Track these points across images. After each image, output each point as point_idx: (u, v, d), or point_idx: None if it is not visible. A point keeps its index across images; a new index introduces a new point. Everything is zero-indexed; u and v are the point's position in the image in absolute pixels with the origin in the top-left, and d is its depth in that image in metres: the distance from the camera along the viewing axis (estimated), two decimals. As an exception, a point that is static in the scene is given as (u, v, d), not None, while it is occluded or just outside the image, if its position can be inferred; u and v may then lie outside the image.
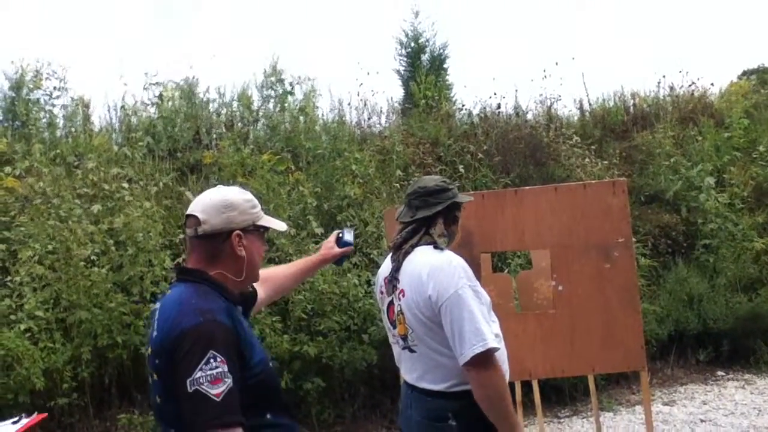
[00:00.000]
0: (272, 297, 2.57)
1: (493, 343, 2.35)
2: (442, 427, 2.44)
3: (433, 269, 2.42)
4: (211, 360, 1.74)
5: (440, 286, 2.39)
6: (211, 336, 1.77)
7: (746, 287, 7.63)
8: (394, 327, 2.60)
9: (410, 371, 2.58)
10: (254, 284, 2.26)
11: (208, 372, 1.73)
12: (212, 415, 1.72)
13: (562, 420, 6.05)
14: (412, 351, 2.52)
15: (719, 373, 7.06)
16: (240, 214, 2.00)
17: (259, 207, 2.09)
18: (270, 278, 2.49)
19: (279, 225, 2.18)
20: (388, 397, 6.11)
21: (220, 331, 1.80)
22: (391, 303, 2.60)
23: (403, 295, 2.50)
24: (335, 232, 2.80)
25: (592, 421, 5.57)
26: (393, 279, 2.56)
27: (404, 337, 2.52)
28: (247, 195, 2.07)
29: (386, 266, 2.69)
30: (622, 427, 5.76)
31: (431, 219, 2.58)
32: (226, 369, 1.75)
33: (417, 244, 2.55)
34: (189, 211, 2.02)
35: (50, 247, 5.59)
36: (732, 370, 7.10)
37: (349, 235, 2.76)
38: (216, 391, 1.72)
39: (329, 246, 2.72)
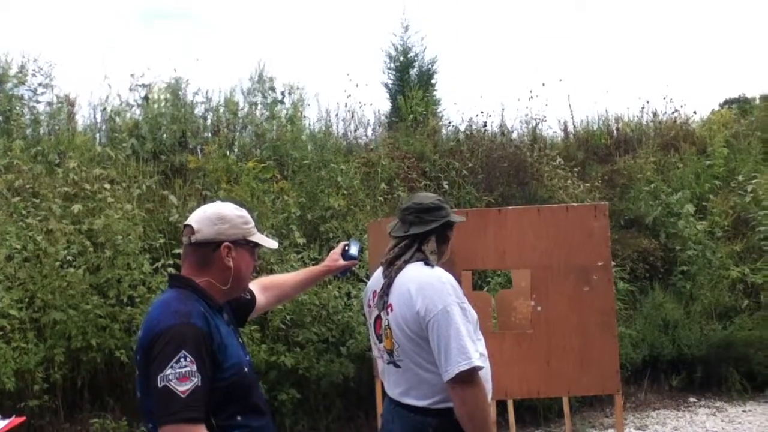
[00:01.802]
0: (273, 303, 2.71)
1: (477, 361, 2.37)
2: None
3: (422, 285, 2.45)
4: (182, 359, 1.87)
5: (429, 301, 2.41)
6: (183, 337, 1.90)
7: (721, 315, 7.72)
8: (381, 341, 2.61)
9: (395, 386, 2.59)
10: (254, 290, 2.46)
11: (178, 370, 1.86)
12: (175, 410, 1.84)
13: (535, 440, 6.07)
14: (397, 366, 2.53)
15: (691, 399, 7.12)
16: (231, 227, 2.15)
17: (253, 224, 2.23)
18: (273, 285, 2.64)
19: (270, 243, 2.31)
20: (363, 411, 6.08)
21: (193, 333, 1.93)
22: (378, 317, 2.61)
23: (391, 310, 2.51)
24: (342, 244, 2.83)
25: (565, 443, 5.58)
26: (384, 294, 2.57)
27: (390, 352, 2.53)
28: (241, 212, 2.22)
29: (376, 280, 2.70)
30: (594, 450, 5.80)
31: (424, 236, 2.60)
32: (194, 369, 1.87)
33: (409, 261, 2.56)
34: (186, 222, 2.19)
35: (27, 246, 5.52)
36: (704, 397, 7.17)
37: (355, 249, 2.79)
38: (183, 388, 1.85)
39: (335, 258, 2.78)
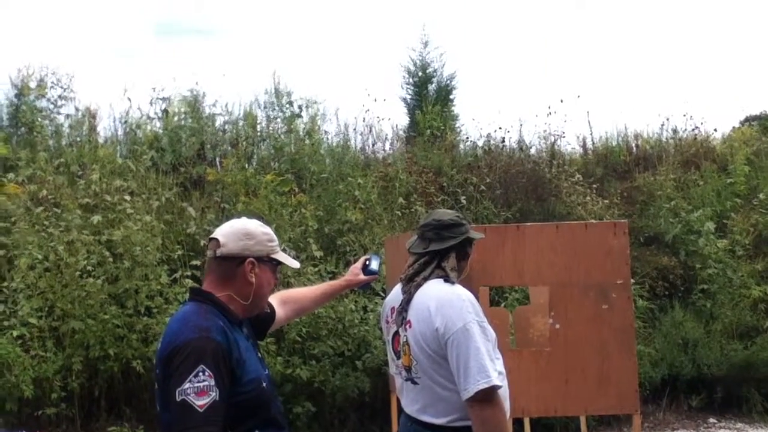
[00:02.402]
0: (292, 317, 2.73)
1: (496, 380, 2.36)
2: None
3: (442, 302, 2.44)
4: (200, 373, 1.87)
5: (448, 319, 2.40)
6: (202, 351, 1.91)
7: (742, 335, 7.61)
8: (399, 357, 2.59)
9: (412, 403, 2.57)
10: (273, 304, 2.47)
11: (196, 384, 1.86)
12: (192, 424, 1.84)
13: (551, 459, 6.00)
14: (415, 383, 2.51)
15: (711, 420, 7.01)
16: (256, 243, 2.17)
17: (277, 242, 2.25)
18: (292, 299, 2.66)
19: (293, 263, 2.32)
20: (378, 426, 6.05)
21: (212, 347, 1.93)
22: (396, 333, 2.59)
23: (410, 326, 2.50)
24: (363, 258, 2.84)
25: (582, 462, 5.51)
26: (402, 310, 2.56)
27: (408, 369, 2.52)
28: (267, 229, 2.24)
29: (394, 296, 2.69)
30: (611, 470, 5.72)
31: (444, 252, 2.59)
32: (212, 383, 1.88)
33: (429, 277, 2.55)
34: (212, 235, 2.20)
35: (48, 256, 5.58)
36: (724, 418, 7.05)
37: (375, 263, 2.80)
38: (200, 402, 1.85)
39: (356, 272, 2.80)
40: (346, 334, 6.08)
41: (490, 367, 2.36)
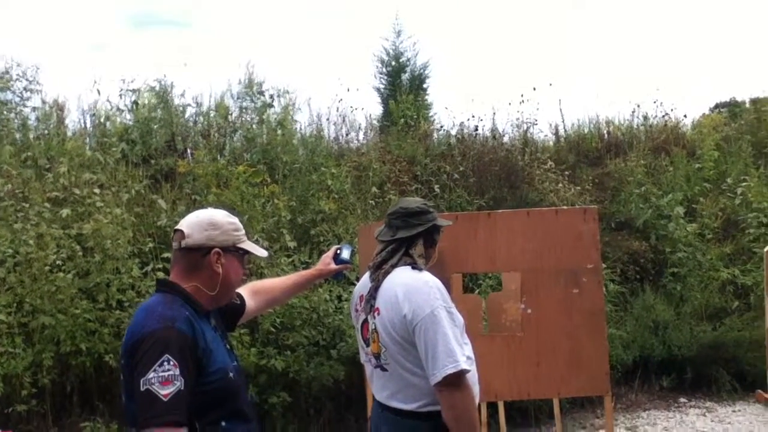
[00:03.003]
0: (263, 308, 2.71)
1: (464, 364, 2.38)
2: None
3: (409, 289, 2.46)
4: (165, 363, 1.88)
5: (416, 306, 2.42)
6: (167, 341, 1.91)
7: (711, 316, 7.75)
8: (368, 345, 2.61)
9: (382, 390, 2.60)
10: (244, 295, 2.47)
11: (161, 373, 1.87)
12: (157, 413, 1.85)
13: (526, 442, 6.07)
14: (384, 369, 2.54)
15: (682, 399, 7.15)
16: (222, 233, 2.16)
17: (243, 232, 2.24)
18: (263, 290, 2.65)
19: (260, 252, 2.31)
20: (354, 414, 6.08)
21: (177, 337, 1.94)
22: (365, 321, 2.61)
23: (378, 313, 2.52)
24: (334, 248, 2.81)
25: (555, 445, 5.59)
26: (371, 298, 2.58)
27: (377, 356, 2.54)
28: (233, 219, 2.23)
29: (363, 284, 2.71)
30: (585, 452, 5.81)
31: (411, 240, 2.61)
32: (177, 372, 1.88)
33: (396, 264, 2.57)
34: (177, 226, 2.19)
35: (16, 250, 5.50)
36: (694, 398, 7.19)
37: (347, 252, 2.77)
38: (165, 391, 1.86)
39: (327, 262, 2.78)
40: (320, 324, 6.08)
41: (458, 352, 2.38)
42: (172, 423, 1.85)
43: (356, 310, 2.74)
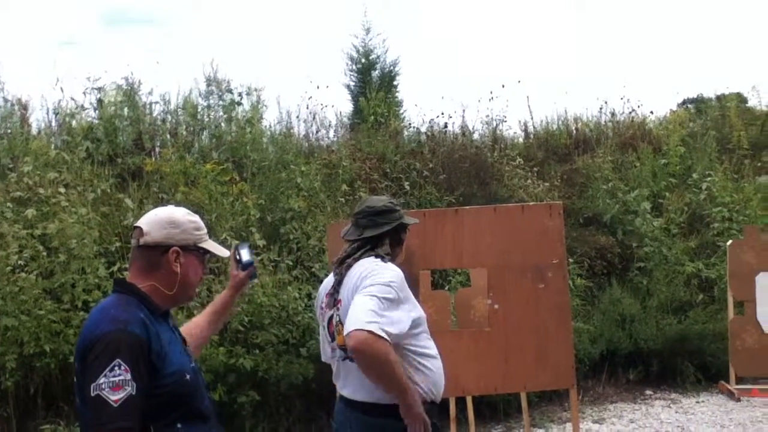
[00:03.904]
0: (202, 344, 2.53)
1: (372, 326, 2.29)
2: None
3: (368, 271, 2.49)
4: (116, 367, 1.84)
5: (367, 281, 2.44)
6: (118, 344, 1.88)
7: (676, 309, 7.90)
8: (333, 339, 2.62)
9: (347, 385, 2.60)
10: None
11: (111, 378, 1.84)
12: (106, 419, 1.82)
13: (495, 437, 6.13)
14: (352, 360, 2.49)
15: (647, 392, 7.27)
16: (181, 232, 2.13)
17: (205, 231, 2.20)
18: (190, 335, 2.41)
19: (221, 251, 2.26)
20: (325, 412, 6.07)
21: (129, 340, 1.90)
22: (331, 318, 2.63)
23: (341, 305, 2.55)
24: (232, 253, 2.58)
25: (524, 438, 5.66)
26: (334, 292, 2.60)
27: (344, 347, 2.51)
28: (194, 217, 2.19)
29: (328, 282, 2.73)
30: (553, 445, 5.88)
31: (378, 239, 2.64)
32: (128, 377, 1.85)
33: (359, 258, 2.59)
34: (136, 224, 2.15)
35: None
36: (660, 390, 7.33)
37: (246, 253, 2.56)
38: (115, 397, 1.83)
39: (235, 274, 2.58)
40: (290, 322, 6.06)
41: (371, 317, 2.30)
42: (122, 429, 1.83)
43: (321, 308, 2.74)
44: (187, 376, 2.04)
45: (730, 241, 7.53)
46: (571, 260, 7.42)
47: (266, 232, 6.90)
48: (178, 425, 1.98)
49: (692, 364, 7.34)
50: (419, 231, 4.37)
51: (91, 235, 5.82)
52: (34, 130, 7.94)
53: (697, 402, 6.90)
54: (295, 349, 5.96)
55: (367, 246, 2.63)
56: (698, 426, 6.17)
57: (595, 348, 7.19)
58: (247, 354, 5.71)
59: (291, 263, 6.63)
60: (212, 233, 6.12)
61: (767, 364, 7.02)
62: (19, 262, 5.47)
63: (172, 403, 1.98)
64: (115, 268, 5.79)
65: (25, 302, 5.28)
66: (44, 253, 5.62)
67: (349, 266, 2.59)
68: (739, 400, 6.80)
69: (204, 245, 2.19)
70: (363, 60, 11.51)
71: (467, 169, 8.81)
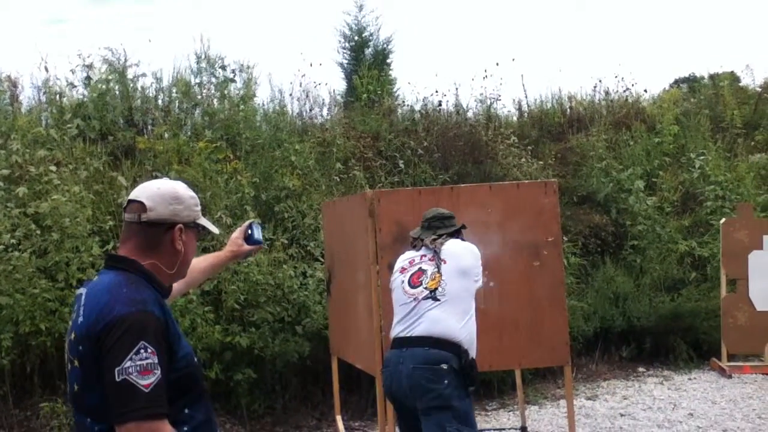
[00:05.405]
0: (183, 291, 2.52)
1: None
2: (437, 370, 3.29)
3: (468, 248, 3.64)
4: (142, 350, 1.73)
5: (471, 256, 3.63)
6: (142, 326, 1.77)
7: (669, 287, 7.96)
8: (417, 287, 3.47)
9: (421, 323, 3.39)
10: None
11: (138, 362, 1.72)
12: (140, 406, 1.71)
13: (489, 413, 6.18)
14: (436, 299, 3.40)
15: (640, 369, 7.35)
16: (185, 209, 2.01)
17: (200, 207, 2.11)
18: None
19: (214, 228, 2.20)
20: (320, 389, 6.11)
21: (152, 321, 1.79)
22: (417, 271, 3.53)
23: (445, 263, 3.48)
24: (244, 226, 2.63)
25: (518, 414, 5.71)
26: (436, 257, 3.53)
27: (433, 290, 3.41)
28: (192, 193, 2.09)
29: (408, 255, 3.69)
30: (546, 421, 5.93)
31: (451, 235, 3.66)
32: (156, 360, 1.74)
33: (445, 240, 3.61)
34: (133, 197, 2.00)
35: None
36: (652, 367, 7.40)
37: (258, 233, 2.60)
38: (145, 382, 1.72)
39: (238, 243, 2.57)
40: (285, 300, 6.07)
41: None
42: (156, 416, 1.73)
43: (402, 270, 3.60)
44: (195, 358, 1.98)
45: (723, 220, 7.57)
46: (565, 239, 7.42)
47: (261, 211, 6.89)
48: (186, 410, 1.89)
49: (685, 342, 7.41)
50: (415, 209, 4.37)
51: (84, 213, 5.79)
52: (24, 109, 7.84)
53: (689, 379, 6.98)
54: (290, 327, 5.98)
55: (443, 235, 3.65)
56: (690, 402, 6.24)
57: (588, 325, 7.25)
58: (243, 332, 5.73)
59: (286, 242, 6.63)
60: (207, 212, 6.11)
61: (759, 342, 7.10)
62: (12, 240, 5.44)
63: (183, 387, 1.88)
64: (109, 247, 5.76)
65: (20, 281, 5.27)
66: (37, 232, 5.60)
67: (442, 243, 3.57)
68: (730, 376, 6.88)
69: (201, 222, 2.10)
70: (356, 37, 11.40)
71: (461, 147, 8.78)
